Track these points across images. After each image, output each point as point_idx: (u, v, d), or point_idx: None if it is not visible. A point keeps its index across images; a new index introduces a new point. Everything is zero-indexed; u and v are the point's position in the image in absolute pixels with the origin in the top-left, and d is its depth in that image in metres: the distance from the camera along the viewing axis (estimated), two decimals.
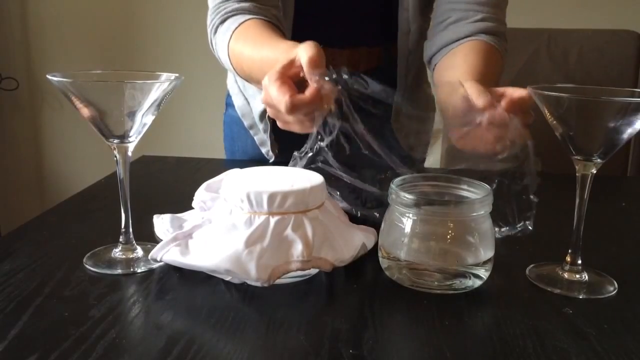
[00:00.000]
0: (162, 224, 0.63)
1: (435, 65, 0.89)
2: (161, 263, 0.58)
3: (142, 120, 0.57)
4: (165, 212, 0.65)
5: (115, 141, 0.58)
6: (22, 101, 2.29)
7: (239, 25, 0.81)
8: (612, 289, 0.57)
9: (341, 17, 0.94)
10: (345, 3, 0.94)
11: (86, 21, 2.19)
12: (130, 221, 0.61)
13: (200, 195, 0.64)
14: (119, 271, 0.58)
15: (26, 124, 2.32)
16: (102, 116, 0.56)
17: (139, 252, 0.61)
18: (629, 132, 0.54)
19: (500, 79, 0.85)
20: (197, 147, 2.16)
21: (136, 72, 0.59)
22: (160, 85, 0.55)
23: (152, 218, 0.64)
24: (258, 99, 0.97)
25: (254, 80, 0.81)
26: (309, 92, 0.60)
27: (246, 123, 1.04)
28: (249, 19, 0.82)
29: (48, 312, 0.50)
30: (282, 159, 1.02)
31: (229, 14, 0.84)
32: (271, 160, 1.03)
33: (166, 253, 0.57)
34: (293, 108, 0.59)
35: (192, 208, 0.65)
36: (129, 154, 0.59)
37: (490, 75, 0.78)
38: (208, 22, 0.87)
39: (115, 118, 0.56)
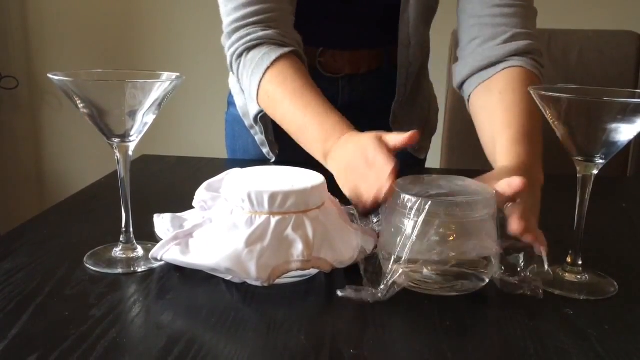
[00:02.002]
0: (162, 223, 0.63)
1: (469, 95, 0.84)
2: (162, 262, 0.58)
3: (143, 120, 0.57)
4: (165, 212, 0.65)
5: (116, 140, 0.58)
6: (22, 100, 2.29)
7: (271, 65, 0.80)
8: (612, 289, 0.57)
9: (343, 20, 0.94)
10: (347, 7, 0.93)
11: (86, 20, 2.19)
12: (131, 221, 0.61)
13: (201, 194, 0.64)
14: (120, 270, 0.58)
15: (26, 122, 2.32)
16: (103, 115, 0.56)
17: (140, 251, 0.61)
18: (630, 132, 0.54)
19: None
20: (198, 147, 2.16)
21: (137, 72, 0.59)
22: (161, 85, 0.55)
23: (152, 217, 0.64)
24: (252, 104, 0.97)
25: (283, 127, 0.81)
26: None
27: (247, 123, 1.04)
28: (281, 57, 0.80)
29: (48, 311, 0.50)
30: (283, 159, 1.02)
31: (255, 42, 0.82)
32: (272, 160, 1.03)
33: (167, 252, 0.57)
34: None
35: (192, 207, 0.65)
36: (130, 153, 0.59)
37: (530, 121, 0.72)
38: (227, 43, 0.86)
39: (116, 117, 0.56)
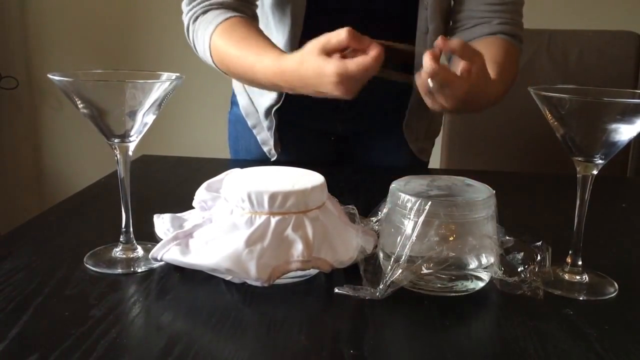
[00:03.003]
0: (162, 223, 0.63)
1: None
2: (162, 263, 0.58)
3: (143, 120, 0.57)
4: (165, 212, 0.65)
5: (116, 141, 0.58)
6: (22, 100, 2.29)
7: (223, 21, 0.83)
8: (612, 290, 0.57)
9: (352, 16, 0.93)
10: (358, 2, 0.93)
11: (86, 20, 2.19)
12: (131, 221, 0.61)
13: (201, 194, 0.64)
14: (120, 271, 0.58)
15: (26, 123, 2.32)
16: (103, 115, 0.56)
17: (140, 251, 0.61)
18: (629, 133, 0.54)
19: (516, 77, 0.88)
20: (200, 147, 2.16)
21: (137, 72, 0.59)
22: (161, 85, 0.55)
23: (152, 218, 0.64)
24: (265, 96, 0.97)
25: (239, 77, 0.85)
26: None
27: (250, 122, 1.04)
28: (234, 17, 0.84)
29: (48, 311, 0.50)
30: (284, 158, 1.02)
31: (213, 7, 0.86)
32: (273, 159, 1.03)
33: (167, 252, 0.57)
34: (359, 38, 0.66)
35: (192, 208, 0.65)
36: (130, 153, 0.59)
37: (507, 65, 0.82)
38: (186, 9, 0.89)
39: (116, 117, 0.56)
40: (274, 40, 0.89)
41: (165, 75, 0.59)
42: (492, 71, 0.76)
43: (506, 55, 0.85)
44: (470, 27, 0.91)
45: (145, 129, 0.58)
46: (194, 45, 0.90)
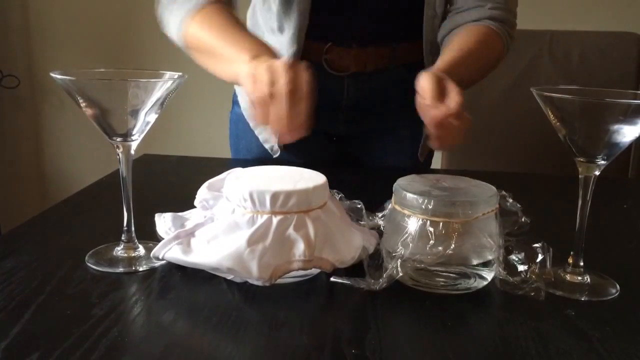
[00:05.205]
0: (163, 222, 0.63)
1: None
2: (163, 261, 0.58)
3: (145, 119, 0.57)
4: (167, 211, 0.65)
5: (118, 139, 0.58)
6: (23, 99, 2.29)
7: (200, 7, 0.84)
8: (614, 291, 0.57)
9: (357, 13, 0.93)
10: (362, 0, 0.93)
11: (88, 19, 2.19)
12: (132, 220, 0.61)
13: (203, 194, 0.64)
14: (121, 269, 0.58)
15: (27, 121, 2.32)
16: (105, 114, 0.56)
17: (141, 250, 0.61)
18: (632, 134, 0.54)
19: (497, 63, 0.94)
20: (200, 146, 2.16)
21: (140, 71, 0.59)
22: (164, 84, 0.55)
23: (153, 217, 0.64)
24: None
25: (212, 65, 0.85)
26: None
27: (252, 123, 1.04)
28: (212, 2, 0.84)
29: (50, 310, 0.50)
30: (286, 156, 1.02)
31: None
32: (275, 156, 1.02)
33: (168, 251, 0.57)
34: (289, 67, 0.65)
35: (194, 207, 0.65)
36: (132, 152, 0.59)
37: (476, 53, 0.87)
38: None
39: (118, 116, 0.56)
40: (279, 36, 0.90)
41: (167, 74, 0.59)
42: (462, 56, 0.83)
43: (482, 43, 0.89)
44: (464, 11, 0.93)
45: (148, 128, 0.58)
46: (164, 27, 0.90)
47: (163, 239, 0.58)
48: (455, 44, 0.87)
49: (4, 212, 2.30)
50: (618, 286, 0.58)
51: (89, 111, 0.56)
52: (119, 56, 2.20)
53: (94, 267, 0.58)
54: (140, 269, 0.58)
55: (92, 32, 2.20)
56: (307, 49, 0.92)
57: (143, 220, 0.64)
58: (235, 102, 1.10)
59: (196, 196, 0.64)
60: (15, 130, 2.33)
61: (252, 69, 0.69)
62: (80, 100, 0.55)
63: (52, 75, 0.54)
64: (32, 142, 2.34)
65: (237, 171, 0.61)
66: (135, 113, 0.56)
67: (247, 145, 1.07)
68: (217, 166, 0.98)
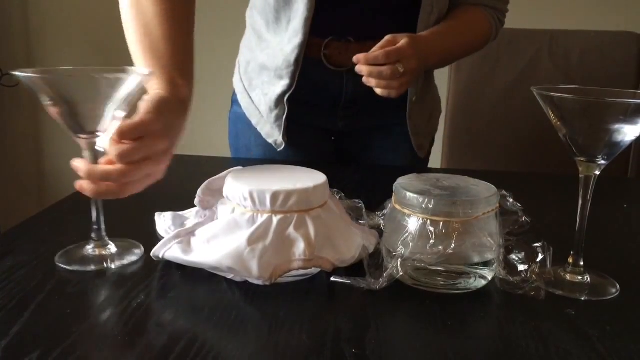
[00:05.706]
0: (163, 222, 0.63)
1: None
2: (162, 260, 0.58)
3: (112, 115, 0.56)
4: (166, 210, 0.65)
5: (84, 137, 0.57)
6: (23, 98, 2.29)
7: None
8: (614, 290, 0.57)
9: (353, 10, 0.93)
10: None
11: (88, 17, 2.19)
12: (102, 217, 0.61)
13: (203, 193, 0.64)
14: (92, 268, 0.58)
15: (27, 120, 2.32)
16: (72, 112, 0.55)
17: (112, 248, 0.61)
18: (632, 133, 0.54)
19: (482, 44, 1.01)
20: (200, 146, 2.15)
21: (107, 68, 0.58)
22: (128, 80, 0.55)
23: (153, 216, 0.64)
24: (277, 85, 0.97)
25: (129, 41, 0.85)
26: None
27: (253, 121, 1.04)
28: None
29: (50, 309, 0.50)
30: (285, 154, 1.02)
31: None
32: (279, 149, 1.02)
33: (168, 250, 0.57)
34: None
35: (194, 206, 0.65)
36: (98, 148, 0.58)
37: (459, 29, 0.96)
38: None
39: (85, 113, 0.55)
40: (279, 30, 0.92)
41: (133, 70, 0.58)
42: (442, 30, 0.92)
43: (467, 22, 0.98)
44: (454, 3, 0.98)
45: (115, 125, 0.57)
46: None
47: (163, 238, 0.58)
48: (441, 21, 0.95)
49: (3, 211, 2.30)
50: (618, 286, 0.58)
51: (54, 109, 0.55)
52: (119, 56, 2.19)
53: (64, 266, 0.58)
54: (113, 267, 0.58)
55: (93, 31, 2.19)
56: (306, 44, 0.92)
57: (143, 220, 0.64)
58: (234, 102, 1.10)
59: (196, 195, 0.64)
60: (14, 129, 2.32)
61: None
62: (46, 99, 0.54)
63: (14, 73, 0.53)
64: (31, 141, 2.34)
65: (237, 170, 0.61)
66: (101, 110, 0.55)
67: (247, 144, 1.06)
68: (216, 165, 0.98)
